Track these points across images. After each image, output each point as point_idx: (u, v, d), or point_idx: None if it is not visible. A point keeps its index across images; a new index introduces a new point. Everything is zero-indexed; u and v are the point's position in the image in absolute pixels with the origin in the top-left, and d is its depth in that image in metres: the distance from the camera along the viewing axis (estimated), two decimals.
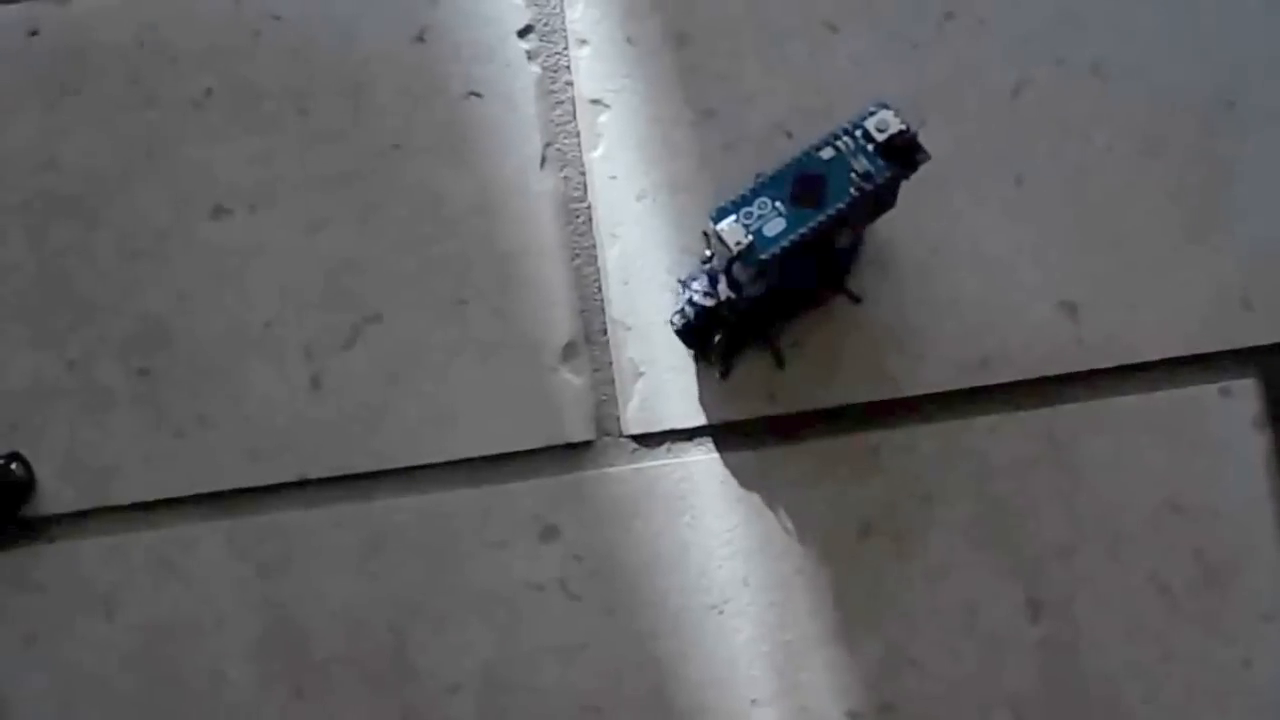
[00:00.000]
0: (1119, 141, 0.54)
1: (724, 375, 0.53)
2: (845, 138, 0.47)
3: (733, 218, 0.47)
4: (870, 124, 0.47)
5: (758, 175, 0.48)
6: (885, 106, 0.47)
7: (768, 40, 0.55)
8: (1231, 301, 0.53)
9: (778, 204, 0.47)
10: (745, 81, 0.54)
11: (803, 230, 0.46)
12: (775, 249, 0.46)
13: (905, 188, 0.51)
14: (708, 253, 0.52)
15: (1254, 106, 0.54)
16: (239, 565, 0.53)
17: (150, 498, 0.54)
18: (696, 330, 0.52)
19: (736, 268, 0.49)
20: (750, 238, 0.46)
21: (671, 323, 0.52)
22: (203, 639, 0.53)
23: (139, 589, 0.53)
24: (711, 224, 0.47)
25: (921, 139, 0.47)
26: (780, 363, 0.53)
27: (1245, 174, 0.54)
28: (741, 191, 0.47)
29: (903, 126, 0.46)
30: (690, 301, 0.51)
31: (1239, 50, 0.54)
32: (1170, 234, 0.54)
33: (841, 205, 0.47)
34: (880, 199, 0.49)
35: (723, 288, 0.51)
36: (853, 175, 0.47)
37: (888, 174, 0.47)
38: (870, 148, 0.47)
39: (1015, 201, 0.54)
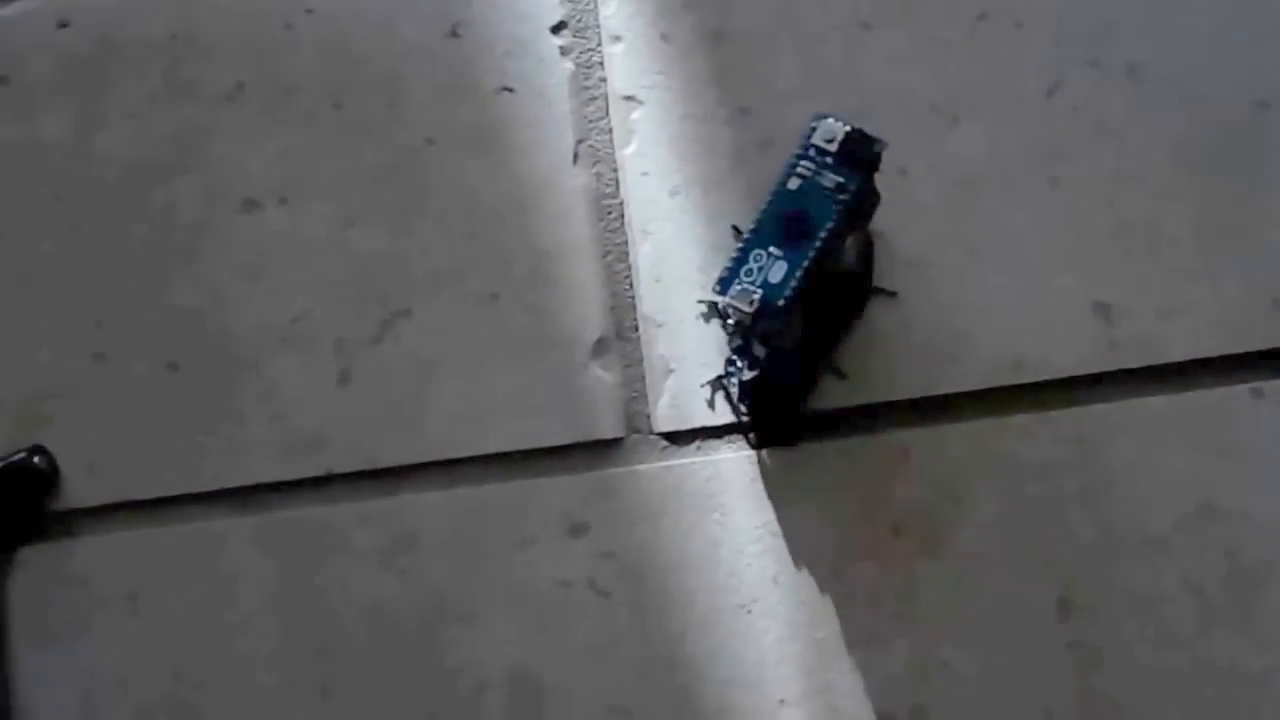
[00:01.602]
0: (1153, 144, 0.54)
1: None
2: (804, 162, 0.47)
3: (736, 284, 0.46)
4: (818, 139, 0.47)
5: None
6: (823, 117, 0.47)
7: (802, 39, 0.55)
8: (1262, 302, 0.53)
9: (771, 250, 0.47)
10: (779, 80, 0.54)
11: (806, 263, 0.46)
12: (788, 291, 0.46)
13: (940, 189, 0.51)
14: (730, 323, 0.52)
15: None
16: (265, 561, 0.53)
17: (176, 493, 0.54)
18: (765, 405, 0.52)
19: (761, 325, 0.49)
20: (759, 292, 0.46)
21: (743, 417, 0.53)
22: (228, 636, 0.53)
23: (163, 585, 0.53)
24: (719, 297, 0.46)
25: (867, 128, 0.47)
26: (842, 376, 0.53)
27: (1278, 176, 0.54)
28: (732, 256, 0.47)
29: (848, 128, 0.47)
30: (740, 385, 0.51)
31: (1274, 53, 0.54)
32: (1203, 235, 0.54)
33: (832, 225, 0.46)
34: (865, 200, 0.49)
35: (758, 350, 0.50)
36: (828, 193, 0.47)
37: (858, 178, 0.47)
38: (829, 160, 0.47)
39: (1049, 203, 0.54)
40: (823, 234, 0.46)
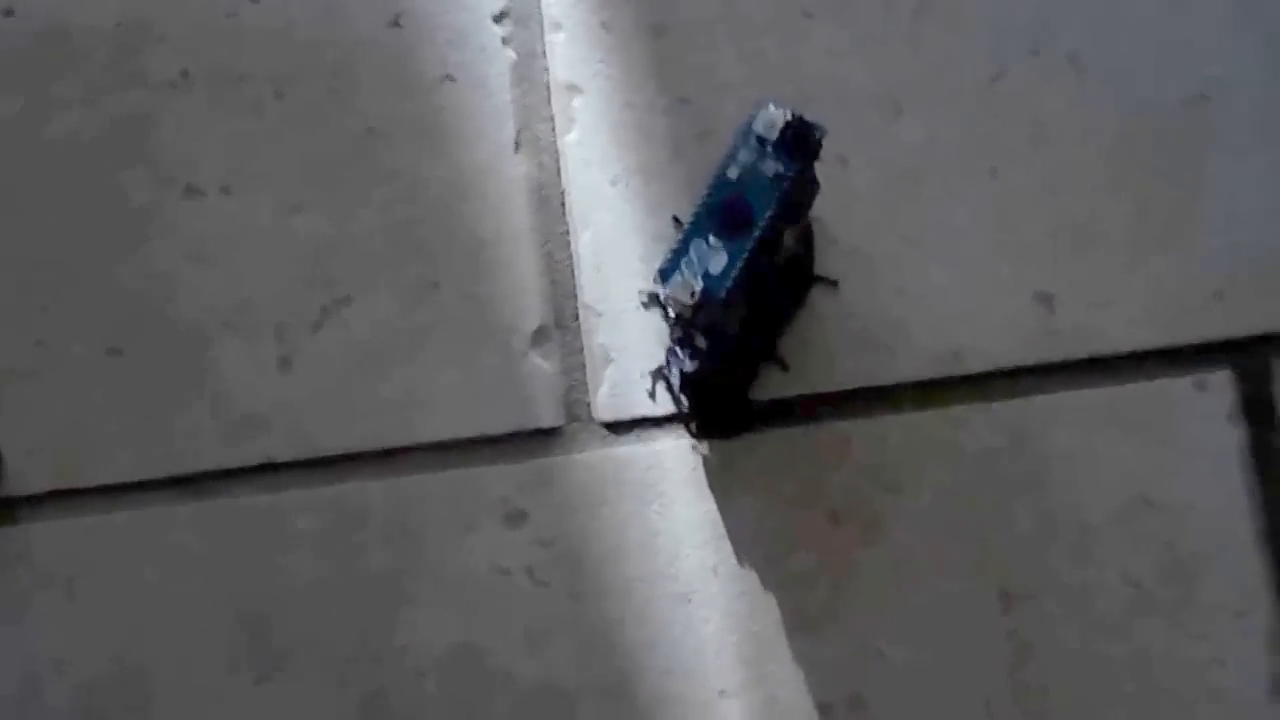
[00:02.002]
0: (1094, 134, 0.54)
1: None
2: (743, 150, 0.47)
3: (676, 275, 0.46)
4: (758, 127, 0.46)
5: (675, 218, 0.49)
6: (763, 105, 0.47)
7: (743, 29, 0.55)
8: (1206, 294, 0.53)
9: (711, 241, 0.46)
10: (720, 70, 0.55)
11: (745, 254, 0.46)
12: (728, 283, 0.46)
13: (880, 179, 0.51)
14: (671, 314, 0.52)
15: (1227, 102, 0.54)
16: (206, 548, 0.53)
17: (118, 480, 0.54)
18: (706, 396, 0.52)
19: (702, 318, 0.49)
20: (700, 284, 0.46)
21: (685, 408, 0.52)
22: (168, 619, 0.53)
23: (104, 571, 0.53)
24: (660, 289, 0.46)
25: (807, 116, 0.46)
26: (785, 367, 0.53)
27: (1219, 167, 0.54)
28: (672, 247, 0.47)
29: (788, 116, 0.46)
30: (681, 376, 0.51)
31: (1214, 47, 0.54)
32: (1145, 226, 0.54)
33: (771, 214, 0.46)
34: (804, 188, 0.48)
35: (700, 341, 0.50)
36: (767, 181, 0.46)
37: (798, 166, 0.46)
38: (770, 149, 0.46)
39: (990, 193, 0.54)
40: (763, 222, 0.46)
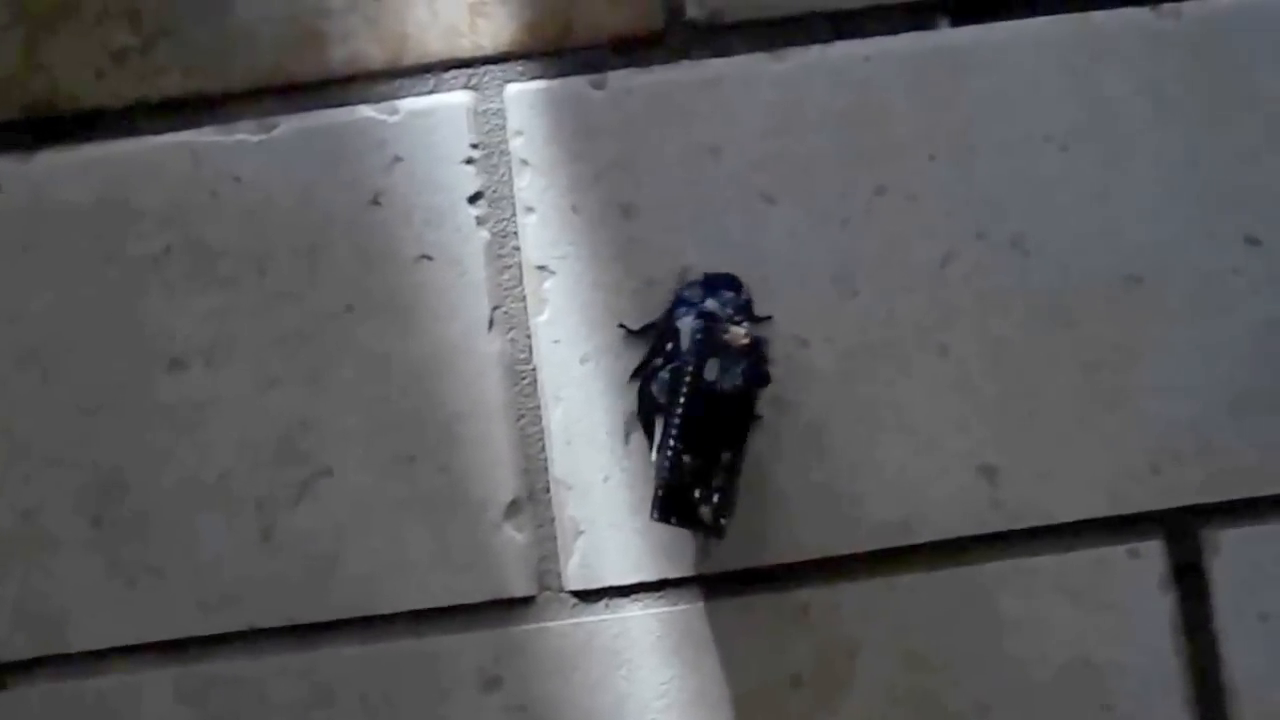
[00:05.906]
0: (1037, 314, 0.57)
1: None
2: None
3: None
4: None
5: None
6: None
7: (706, 211, 0.57)
8: (1139, 467, 0.57)
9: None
10: (684, 252, 0.57)
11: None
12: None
13: (838, 357, 0.53)
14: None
15: (1158, 285, 0.57)
16: (186, 713, 0.55)
17: (101, 646, 0.55)
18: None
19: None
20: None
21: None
22: None
23: None
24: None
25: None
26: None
27: (1151, 347, 0.57)
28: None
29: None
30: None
31: (1144, 232, 0.58)
32: (1083, 402, 0.57)
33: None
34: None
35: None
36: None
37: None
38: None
39: (940, 371, 0.57)
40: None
